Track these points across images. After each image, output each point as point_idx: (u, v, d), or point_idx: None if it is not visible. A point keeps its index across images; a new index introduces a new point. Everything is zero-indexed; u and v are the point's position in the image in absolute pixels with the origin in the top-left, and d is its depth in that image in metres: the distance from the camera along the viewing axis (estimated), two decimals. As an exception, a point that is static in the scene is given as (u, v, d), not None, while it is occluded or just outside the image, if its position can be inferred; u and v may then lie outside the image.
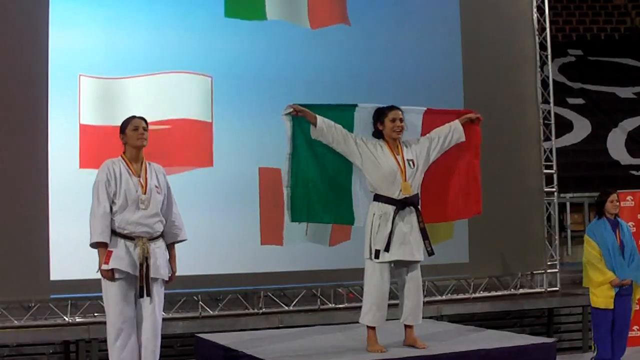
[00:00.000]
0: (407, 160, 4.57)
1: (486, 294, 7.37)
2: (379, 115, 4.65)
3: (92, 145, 5.92)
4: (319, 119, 4.55)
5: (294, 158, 4.60)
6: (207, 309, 6.35)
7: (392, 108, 4.64)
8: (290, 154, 4.59)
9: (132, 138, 4.33)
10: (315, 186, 4.65)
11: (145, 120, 4.41)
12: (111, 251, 4.20)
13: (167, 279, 4.39)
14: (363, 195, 4.69)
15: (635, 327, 6.82)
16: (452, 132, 4.75)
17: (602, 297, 5.69)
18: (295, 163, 4.60)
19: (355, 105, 4.74)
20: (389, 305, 4.59)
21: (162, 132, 6.00)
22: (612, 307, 5.64)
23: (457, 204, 4.93)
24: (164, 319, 4.52)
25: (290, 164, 4.60)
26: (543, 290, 7.71)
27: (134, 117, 4.41)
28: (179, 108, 6.30)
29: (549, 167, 7.90)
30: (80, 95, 6.00)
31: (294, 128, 4.59)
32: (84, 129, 5.99)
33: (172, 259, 4.45)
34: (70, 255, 5.56)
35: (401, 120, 4.60)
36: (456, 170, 4.87)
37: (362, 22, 6.91)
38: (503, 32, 7.67)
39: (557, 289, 7.78)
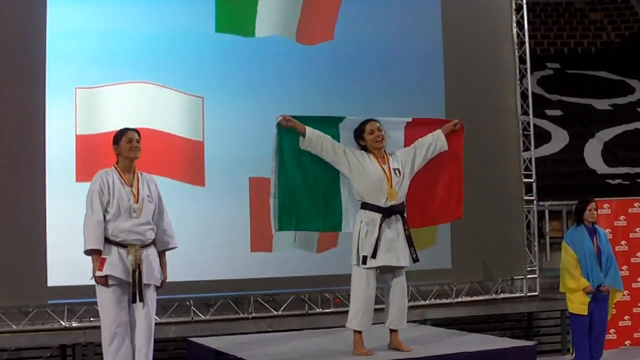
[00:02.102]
0: (394, 169, 4.66)
1: (468, 298, 7.49)
2: (358, 132, 4.74)
3: (88, 156, 6.00)
4: (308, 129, 4.62)
5: (281, 170, 4.66)
6: (199, 314, 6.45)
7: (368, 121, 4.72)
8: (277, 167, 4.65)
9: (126, 150, 4.42)
10: (303, 196, 4.71)
11: (139, 133, 4.49)
12: (105, 258, 4.27)
13: (158, 284, 4.47)
14: (352, 203, 4.76)
15: (611, 331, 6.96)
16: (436, 141, 4.85)
17: (577, 303, 5.80)
18: (282, 174, 4.66)
19: (342, 118, 4.82)
20: (375, 310, 4.65)
21: (155, 141, 6.08)
22: (586, 313, 5.74)
23: (440, 210, 5.02)
24: (157, 324, 4.60)
25: (277, 176, 4.66)
26: (523, 295, 7.84)
27: (128, 129, 4.49)
28: (172, 124, 6.39)
29: (529, 176, 8.04)
30: (77, 108, 6.08)
31: (281, 141, 4.66)
32: (80, 140, 6.08)
33: (163, 266, 4.52)
34: (67, 262, 5.62)
35: (379, 129, 4.68)
36: (439, 177, 4.95)
37: (349, 39, 7.04)
38: (484, 47, 7.81)
39: (536, 293, 7.90)
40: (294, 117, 4.67)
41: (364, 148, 4.73)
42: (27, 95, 6.01)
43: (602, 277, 5.80)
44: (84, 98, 6.13)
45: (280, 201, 4.66)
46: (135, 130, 4.50)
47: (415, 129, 4.92)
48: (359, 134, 4.73)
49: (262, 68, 6.74)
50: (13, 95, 5.98)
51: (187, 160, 6.47)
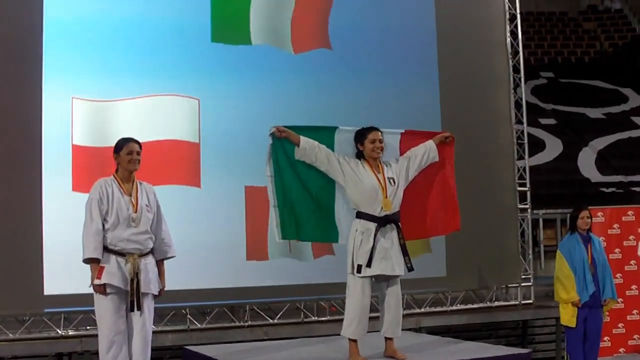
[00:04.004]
0: (388, 178, 4.69)
1: (463, 306, 7.52)
2: (360, 136, 4.76)
3: (85, 165, 6.03)
4: (302, 139, 4.65)
5: (278, 179, 4.68)
6: (195, 322, 6.47)
7: (372, 129, 4.75)
8: (272, 176, 4.68)
9: (125, 161, 4.44)
10: (300, 206, 4.73)
11: (140, 145, 4.52)
12: (103, 267, 4.30)
13: (156, 293, 4.49)
14: (346, 212, 4.78)
15: (606, 338, 6.98)
16: (428, 151, 4.90)
17: (566, 315, 5.82)
18: (279, 183, 4.68)
19: (336, 128, 4.85)
20: (370, 318, 4.67)
21: (151, 152, 6.07)
22: (574, 325, 5.75)
23: (435, 221, 5.05)
24: (153, 332, 4.62)
25: (274, 185, 4.68)
26: (517, 302, 7.87)
27: (130, 140, 4.51)
28: (167, 130, 6.42)
29: (523, 184, 8.08)
30: (73, 117, 6.12)
31: (276, 150, 4.68)
32: (77, 150, 6.11)
33: (161, 275, 4.55)
34: (63, 270, 5.66)
35: (380, 141, 4.71)
36: (433, 189, 4.99)
37: (344, 46, 7.10)
38: (478, 56, 7.86)
39: (530, 301, 7.94)
40: (287, 127, 4.70)
41: (360, 153, 4.77)
42: (23, 104, 6.03)
43: (594, 286, 5.80)
44: (81, 108, 6.15)
45: (281, 211, 4.68)
46: (137, 141, 4.52)
47: (409, 139, 4.98)
48: (360, 138, 4.76)
49: (259, 73, 6.77)
50: (9, 103, 6.00)
51: (183, 162, 6.49)
